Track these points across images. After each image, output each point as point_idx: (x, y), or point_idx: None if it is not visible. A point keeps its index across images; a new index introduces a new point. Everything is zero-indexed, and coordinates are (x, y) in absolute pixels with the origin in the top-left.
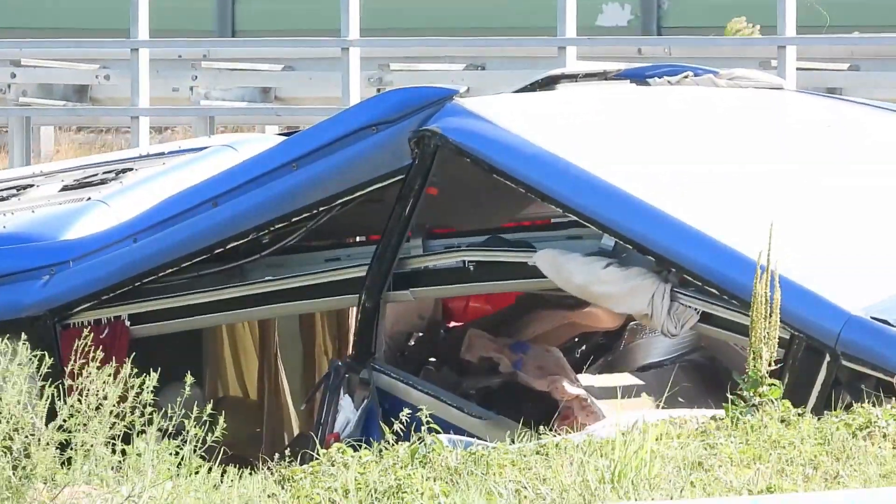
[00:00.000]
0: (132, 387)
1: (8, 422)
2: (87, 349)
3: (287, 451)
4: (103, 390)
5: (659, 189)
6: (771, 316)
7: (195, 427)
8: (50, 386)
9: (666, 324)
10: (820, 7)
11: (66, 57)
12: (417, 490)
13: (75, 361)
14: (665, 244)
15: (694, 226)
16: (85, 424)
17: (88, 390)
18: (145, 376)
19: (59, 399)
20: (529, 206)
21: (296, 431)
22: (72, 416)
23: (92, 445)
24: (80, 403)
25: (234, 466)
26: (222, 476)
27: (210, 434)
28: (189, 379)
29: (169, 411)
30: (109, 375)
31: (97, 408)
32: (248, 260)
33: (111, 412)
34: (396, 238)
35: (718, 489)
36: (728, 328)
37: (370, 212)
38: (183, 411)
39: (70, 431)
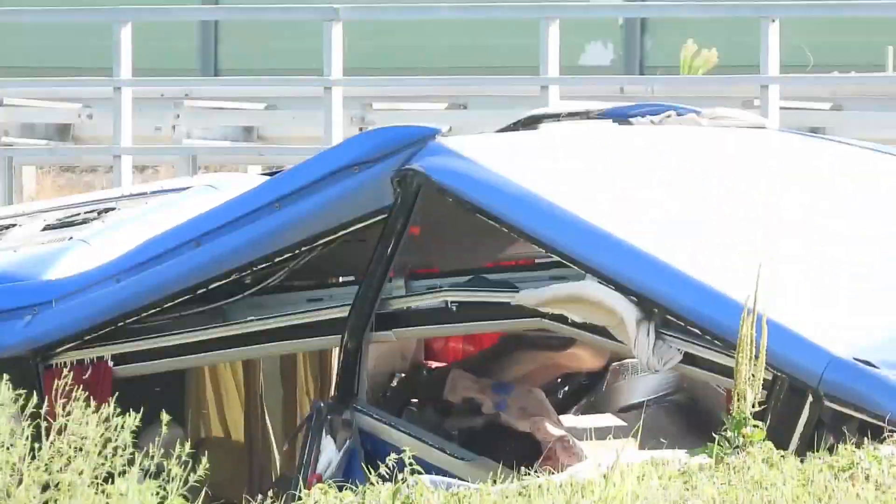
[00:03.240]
0: (115, 427)
1: None
2: (69, 389)
3: (269, 492)
4: (85, 430)
5: (642, 229)
6: (756, 358)
7: (177, 467)
8: (33, 426)
9: (650, 359)
10: (804, 47)
11: (48, 96)
12: None
13: (58, 401)
14: (648, 284)
15: (677, 266)
16: (67, 464)
17: (71, 430)
18: (127, 416)
19: (43, 439)
20: (512, 246)
21: (278, 472)
22: (52, 456)
23: (75, 485)
24: (62, 443)
25: None
26: None
27: (192, 474)
28: (165, 417)
29: (151, 451)
30: (93, 414)
31: (80, 448)
32: (231, 300)
33: (97, 452)
34: (378, 278)
35: None
36: (711, 369)
37: (352, 252)
38: (163, 451)
39: (51, 472)
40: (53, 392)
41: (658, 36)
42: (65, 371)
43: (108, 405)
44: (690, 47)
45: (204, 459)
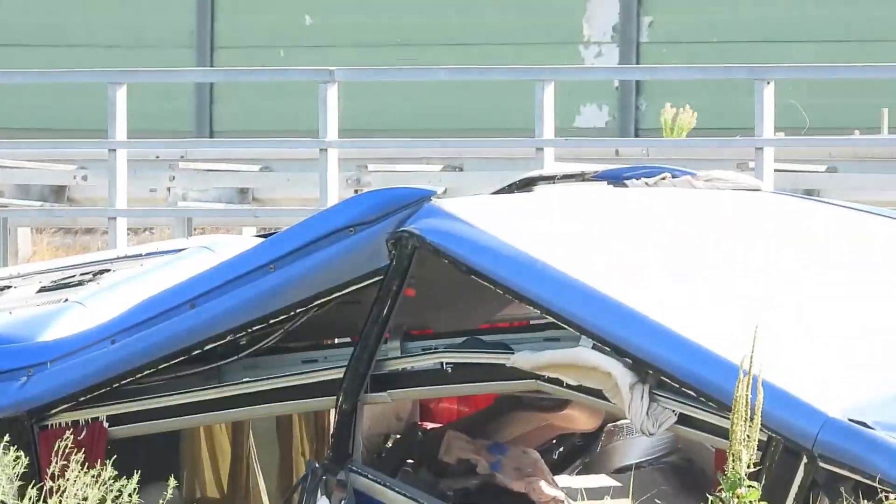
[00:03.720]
0: (111, 489)
1: None
2: (66, 450)
3: None
4: (84, 492)
5: (637, 291)
6: (752, 419)
7: None
8: (28, 487)
9: (644, 423)
10: (801, 108)
11: (43, 157)
12: None
13: (55, 463)
14: (643, 345)
15: (672, 328)
16: None
17: (69, 492)
18: (126, 479)
19: (39, 501)
20: (508, 308)
21: None
22: None
23: None
24: None
25: None
26: None
27: None
28: (172, 482)
29: None
30: (92, 477)
31: None
32: (226, 361)
33: None
34: (374, 339)
35: None
36: (705, 430)
37: (348, 313)
38: None
39: None
40: (49, 453)
41: (653, 98)
42: (67, 433)
43: (105, 466)
44: (668, 111)
45: None
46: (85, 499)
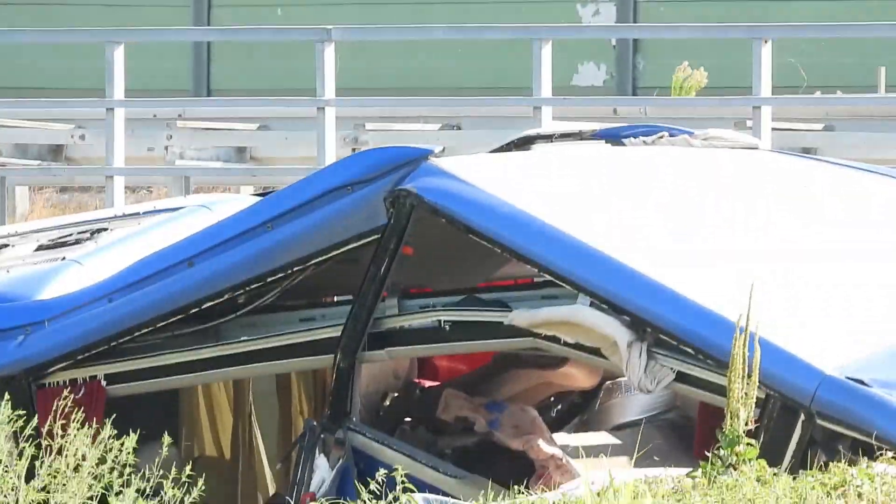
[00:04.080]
0: (110, 448)
1: None
2: (64, 409)
3: None
4: (82, 450)
5: (635, 249)
6: (749, 376)
7: (173, 488)
8: (31, 446)
9: (642, 380)
10: (799, 66)
11: (40, 117)
12: None
13: (54, 421)
14: (641, 304)
15: (670, 285)
16: (64, 485)
17: (67, 450)
18: (124, 438)
19: (37, 460)
20: (505, 266)
21: (271, 491)
22: (51, 475)
23: None
24: (59, 464)
25: None
26: None
27: (188, 495)
28: (167, 440)
29: (146, 472)
30: (87, 436)
31: (76, 468)
32: (224, 320)
33: (90, 473)
34: (372, 298)
35: None
36: (704, 388)
37: (346, 271)
38: (161, 472)
39: (49, 492)
40: (47, 412)
41: (650, 57)
42: (65, 392)
43: (103, 425)
44: (684, 69)
45: (200, 481)
46: (84, 457)
